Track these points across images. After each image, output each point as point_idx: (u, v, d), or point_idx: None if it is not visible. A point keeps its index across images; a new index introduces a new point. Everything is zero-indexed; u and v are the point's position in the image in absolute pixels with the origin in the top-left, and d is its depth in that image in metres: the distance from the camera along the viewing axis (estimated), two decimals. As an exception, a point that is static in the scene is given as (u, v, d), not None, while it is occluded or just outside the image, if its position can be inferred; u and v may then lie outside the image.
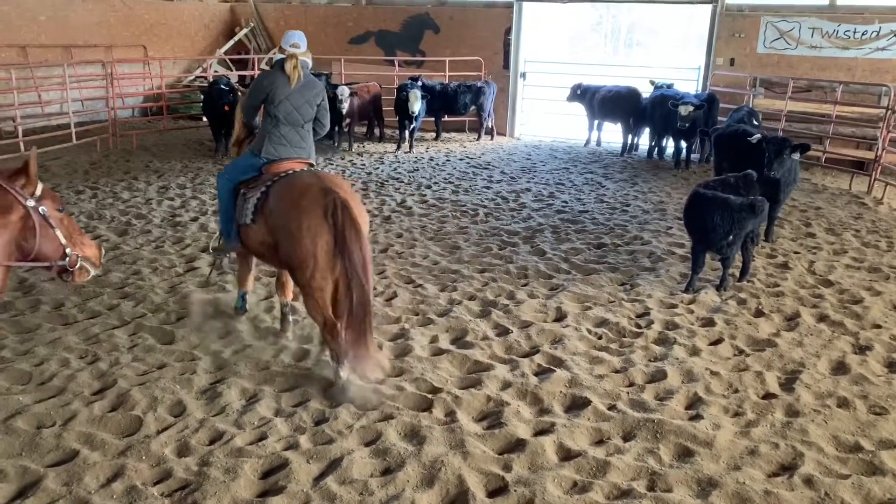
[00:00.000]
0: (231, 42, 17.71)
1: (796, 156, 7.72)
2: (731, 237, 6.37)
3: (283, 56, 5.10)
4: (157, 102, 15.31)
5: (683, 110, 11.57)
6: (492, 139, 15.31)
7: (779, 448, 4.19)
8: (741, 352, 5.49)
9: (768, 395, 4.85)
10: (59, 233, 3.59)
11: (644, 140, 13.90)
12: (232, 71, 16.80)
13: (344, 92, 12.69)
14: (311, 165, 5.24)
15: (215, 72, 16.28)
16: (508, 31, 15.68)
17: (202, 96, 13.13)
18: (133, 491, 3.72)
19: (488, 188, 10.75)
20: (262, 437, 4.21)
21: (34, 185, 3.58)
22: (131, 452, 4.03)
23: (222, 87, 12.23)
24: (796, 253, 7.86)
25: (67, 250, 3.57)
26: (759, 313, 6.21)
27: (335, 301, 4.63)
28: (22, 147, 11.70)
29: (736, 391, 4.88)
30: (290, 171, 4.90)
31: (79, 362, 5.07)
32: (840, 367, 5.26)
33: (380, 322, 5.86)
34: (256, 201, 4.85)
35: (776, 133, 10.82)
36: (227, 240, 5.30)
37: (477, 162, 12.74)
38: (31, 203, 3.54)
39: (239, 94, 12.03)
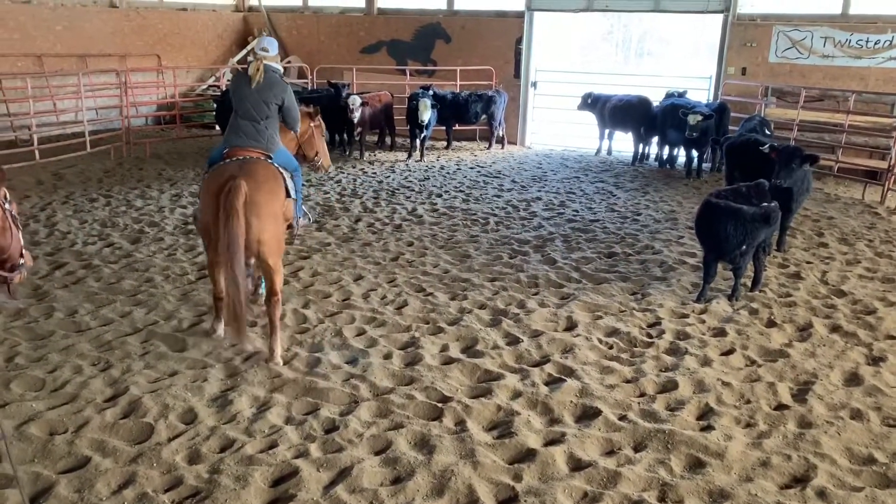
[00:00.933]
0: (244, 51, 17.83)
1: (807, 166, 7.68)
2: (743, 247, 6.35)
3: (250, 59, 5.64)
4: (171, 111, 15.42)
5: (692, 119, 11.55)
6: (502, 148, 15.33)
7: (791, 460, 4.16)
8: (753, 362, 5.46)
9: (781, 406, 4.82)
10: (20, 234, 3.58)
11: (655, 149, 13.87)
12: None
13: (355, 101, 12.75)
14: (268, 156, 5.53)
15: (228, 81, 16.39)
16: (519, 41, 15.71)
17: (215, 105, 13.22)
18: (144, 498, 3.74)
19: (499, 197, 10.75)
20: (273, 446, 4.22)
21: (2, 187, 3.52)
22: (143, 459, 4.05)
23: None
24: (809, 263, 7.82)
25: (24, 252, 3.56)
26: (771, 323, 6.18)
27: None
28: (37, 155, 11.81)
29: (748, 402, 4.86)
30: (234, 159, 5.36)
31: (91, 369, 5.10)
32: (853, 379, 5.22)
33: (390, 330, 5.87)
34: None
35: (787, 142, 10.78)
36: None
37: (488, 171, 12.75)
38: (7, 205, 3.52)
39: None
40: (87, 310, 6.15)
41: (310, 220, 7.21)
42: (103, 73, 14.60)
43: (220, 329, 5.67)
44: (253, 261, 5.58)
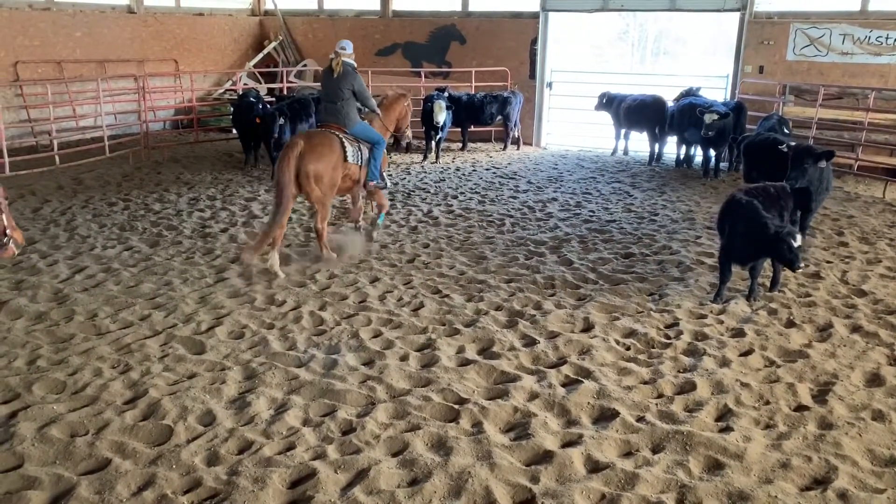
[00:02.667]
0: (260, 55, 17.95)
1: (823, 163, 7.58)
2: (752, 253, 6.29)
3: (331, 57, 7.69)
4: (188, 115, 15.56)
5: (708, 118, 11.46)
6: (518, 149, 15.31)
7: (812, 461, 4.12)
8: (772, 363, 5.41)
9: (800, 408, 4.77)
10: (4, 217, 4.20)
11: (671, 149, 13.79)
12: (261, 84, 17.01)
13: None
14: (343, 129, 7.55)
15: (245, 85, 16.50)
16: (534, 42, 15.69)
17: (231, 109, 13.33)
18: (164, 500, 3.77)
19: (515, 198, 10.74)
20: (291, 447, 4.25)
21: None
22: (162, 461, 4.08)
23: (251, 99, 12.41)
24: (829, 262, 7.74)
25: (7, 231, 4.21)
26: (790, 324, 6.12)
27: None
28: (57, 160, 11.95)
29: (767, 403, 4.82)
30: (313, 129, 7.80)
31: (111, 372, 5.15)
32: (874, 379, 5.16)
33: (406, 332, 5.89)
34: None
35: (804, 142, 10.69)
36: None
37: (503, 172, 12.74)
38: None
39: (267, 106, 12.24)
40: (106, 313, 6.21)
41: (385, 185, 8.36)
42: (122, 78, 14.76)
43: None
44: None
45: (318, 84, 16.00)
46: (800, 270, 6.31)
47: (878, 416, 4.64)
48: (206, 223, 9.12)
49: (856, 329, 6.02)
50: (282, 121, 11.33)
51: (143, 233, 8.67)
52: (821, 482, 3.98)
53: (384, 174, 8.20)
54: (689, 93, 13.06)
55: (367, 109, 8.01)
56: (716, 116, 11.46)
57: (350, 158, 7.49)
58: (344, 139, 7.47)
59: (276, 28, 18.11)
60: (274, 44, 17.96)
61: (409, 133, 9.19)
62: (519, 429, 4.49)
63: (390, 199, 10.42)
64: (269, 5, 18.34)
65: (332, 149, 7.32)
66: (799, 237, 6.03)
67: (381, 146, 7.94)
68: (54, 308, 6.30)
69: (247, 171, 12.43)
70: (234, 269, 7.35)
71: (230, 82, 17.23)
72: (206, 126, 15.81)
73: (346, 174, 7.56)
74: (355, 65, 7.75)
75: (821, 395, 4.92)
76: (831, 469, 4.05)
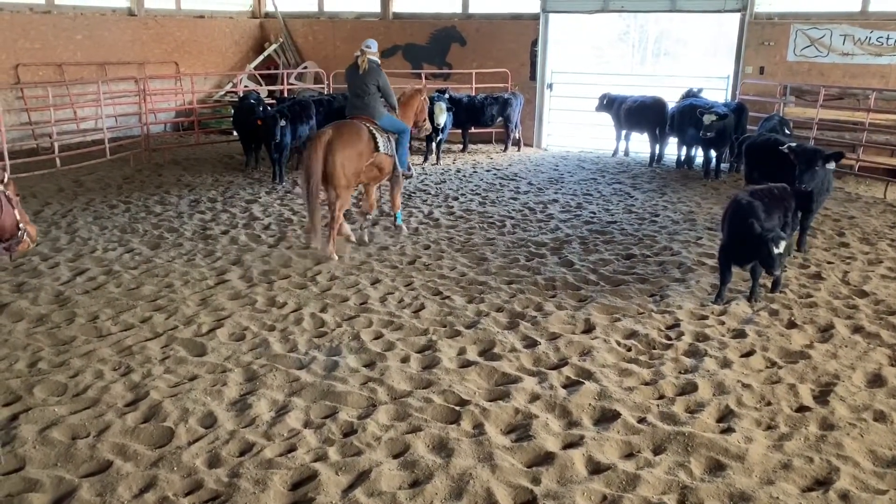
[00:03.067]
0: (261, 57, 17.96)
1: (831, 165, 7.58)
2: (744, 256, 6.30)
3: (357, 54, 8.13)
4: (189, 118, 15.57)
5: (707, 119, 11.45)
6: (519, 150, 15.32)
7: (813, 462, 4.12)
8: (774, 364, 5.41)
9: (802, 408, 4.77)
10: (17, 212, 4.30)
11: (672, 150, 13.79)
12: (262, 86, 17.02)
13: None
14: (373, 121, 7.98)
15: (245, 87, 16.51)
16: (535, 43, 15.69)
17: (233, 111, 13.35)
18: (165, 502, 3.78)
19: (515, 199, 10.74)
20: (292, 449, 4.25)
21: (3, 174, 4.32)
22: (163, 463, 4.08)
23: (252, 101, 12.42)
24: (830, 263, 7.73)
25: (21, 226, 4.29)
26: (791, 324, 6.12)
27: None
28: (58, 163, 11.96)
29: (769, 404, 4.81)
30: (340, 121, 8.06)
31: (112, 374, 5.15)
32: (876, 380, 5.16)
33: (407, 334, 5.89)
34: None
35: (806, 142, 10.68)
36: None
37: (504, 173, 12.74)
38: (0, 188, 4.21)
39: (268, 108, 12.25)
40: (107, 315, 6.22)
41: (412, 173, 9.17)
42: (122, 80, 14.78)
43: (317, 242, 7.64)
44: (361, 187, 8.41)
45: (318, 86, 16.11)
46: (776, 274, 6.40)
47: (880, 416, 4.63)
48: (206, 225, 9.13)
49: (857, 330, 6.01)
50: (283, 123, 11.30)
51: (144, 235, 8.67)
52: (822, 483, 3.97)
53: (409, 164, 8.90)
54: (691, 94, 13.06)
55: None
56: (714, 117, 11.45)
57: (381, 148, 7.90)
58: (374, 129, 7.88)
59: (277, 30, 18.13)
60: (274, 46, 17.98)
61: (427, 126, 9.60)
62: (520, 430, 4.48)
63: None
64: (269, 7, 18.36)
65: (360, 138, 7.67)
66: (783, 244, 6.04)
67: (407, 135, 8.51)
68: (55, 310, 6.30)
69: (248, 173, 12.43)
70: (235, 271, 7.35)
71: (231, 84, 17.24)
72: (206, 128, 15.83)
73: (378, 164, 7.99)
74: (379, 62, 8.23)
75: (822, 395, 4.91)
76: (833, 470, 4.05)
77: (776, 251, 6.00)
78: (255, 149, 12.79)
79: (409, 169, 8.71)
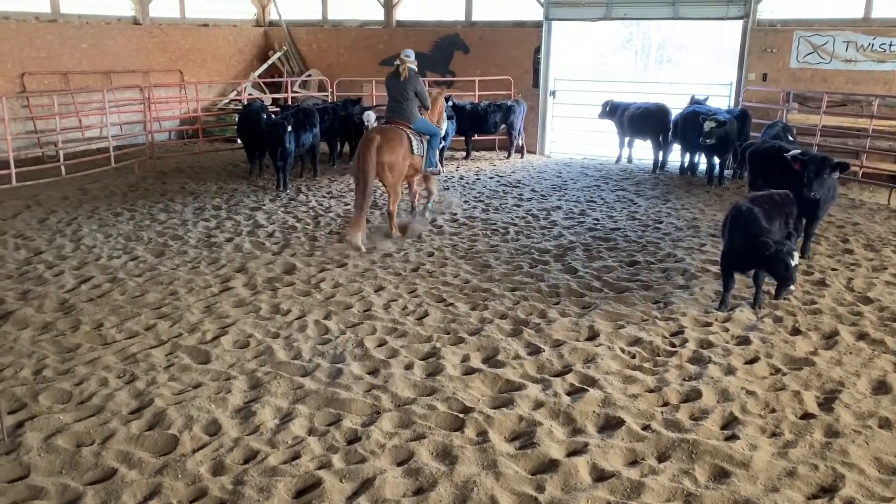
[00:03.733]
0: (265, 66, 18.03)
1: (837, 174, 7.59)
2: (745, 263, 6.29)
3: (397, 63, 8.93)
4: (193, 125, 15.62)
5: (707, 126, 11.45)
6: (522, 157, 15.33)
7: (818, 469, 4.11)
8: (778, 371, 5.40)
9: (807, 415, 4.76)
10: None
11: (675, 157, 13.79)
12: (266, 94, 17.08)
13: (370, 118, 12.80)
14: (409, 124, 8.87)
15: (249, 95, 16.57)
16: (538, 50, 15.73)
17: (237, 118, 13.41)
18: (169, 509, 3.78)
19: (519, 206, 10.75)
20: (296, 457, 4.25)
21: None
22: (167, 471, 4.09)
23: (256, 109, 12.47)
24: (834, 270, 7.72)
25: None
26: (796, 331, 6.11)
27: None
28: (63, 171, 12.01)
29: (773, 411, 4.80)
30: (383, 125, 9.02)
31: (117, 381, 5.16)
32: (881, 387, 5.15)
33: (411, 341, 5.89)
34: None
35: (810, 148, 10.68)
36: None
37: (507, 180, 12.76)
38: None
39: (272, 115, 12.28)
40: (112, 323, 6.23)
41: (440, 171, 9.83)
42: (127, 89, 14.83)
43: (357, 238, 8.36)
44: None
45: (322, 94, 16.15)
46: (792, 289, 6.38)
47: (885, 423, 4.62)
48: (211, 233, 9.15)
49: (862, 336, 6.00)
50: (289, 129, 11.31)
51: (149, 243, 8.70)
52: (828, 490, 3.96)
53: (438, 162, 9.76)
54: (695, 101, 13.08)
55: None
56: (714, 124, 11.45)
57: (415, 150, 8.84)
58: (410, 134, 8.80)
59: (281, 38, 18.20)
60: (278, 54, 18.04)
61: (443, 126, 10.44)
62: (524, 437, 4.48)
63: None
64: (273, 16, 18.43)
65: (402, 142, 8.65)
66: (796, 255, 6.05)
67: (437, 137, 9.41)
68: (60, 318, 6.32)
69: (252, 180, 12.47)
70: (239, 279, 7.37)
71: (235, 92, 17.30)
72: (210, 136, 15.87)
73: (413, 164, 8.90)
74: (416, 69, 9.05)
75: (827, 402, 4.90)
76: (838, 477, 4.04)
77: (793, 263, 6.02)
78: (259, 156, 12.84)
79: (436, 167, 9.47)
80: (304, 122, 12.06)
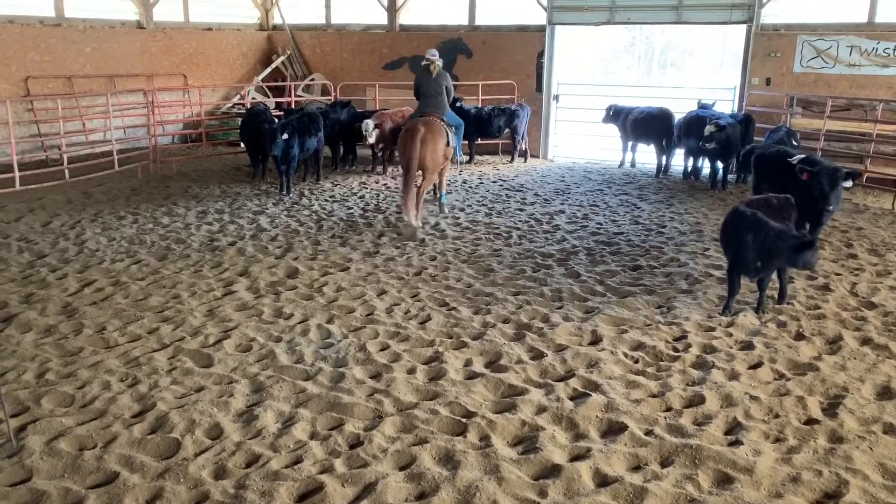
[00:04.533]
0: (268, 69, 18.06)
1: (848, 183, 7.56)
2: (758, 264, 6.26)
3: (427, 62, 9.91)
4: (197, 129, 15.65)
5: (707, 130, 11.43)
6: (525, 161, 15.33)
7: (822, 475, 4.09)
8: (782, 376, 5.38)
9: (810, 421, 4.74)
10: None
11: (678, 161, 13.78)
12: (269, 98, 17.11)
13: (368, 126, 12.79)
14: (441, 117, 9.80)
15: (253, 99, 16.60)
16: (541, 55, 15.74)
17: (241, 122, 13.42)
18: (171, 513, 3.77)
19: (522, 210, 10.75)
20: (298, 461, 4.24)
21: None
22: (169, 475, 4.08)
23: (259, 113, 12.49)
24: (838, 274, 7.70)
25: None
26: (799, 336, 6.09)
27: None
28: (67, 174, 12.04)
29: (777, 416, 4.78)
30: (422, 117, 9.74)
31: (119, 385, 5.16)
32: (885, 392, 5.13)
33: (413, 345, 5.89)
34: None
35: (814, 153, 10.65)
36: None
37: (510, 184, 12.76)
38: None
39: (275, 120, 12.29)
40: (115, 326, 6.24)
41: (464, 159, 11.27)
42: (131, 92, 14.87)
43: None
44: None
45: (325, 97, 16.18)
46: (815, 269, 6.82)
47: (890, 429, 4.60)
48: (214, 236, 9.16)
49: (866, 341, 5.98)
50: (284, 136, 11.11)
51: (152, 246, 8.71)
52: (831, 496, 3.94)
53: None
54: (701, 105, 13.07)
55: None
56: (714, 128, 11.43)
57: (450, 141, 9.81)
58: (445, 126, 9.71)
59: (284, 42, 18.24)
60: (282, 58, 18.08)
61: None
62: (527, 442, 4.47)
63: (397, 214, 10.46)
64: (277, 20, 18.48)
65: (442, 133, 9.59)
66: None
67: (462, 129, 10.45)
68: (63, 321, 6.33)
69: (255, 184, 12.48)
70: (242, 283, 7.37)
71: (238, 96, 17.33)
72: (214, 140, 15.90)
73: (446, 153, 9.84)
74: (441, 65, 10.03)
75: (831, 408, 4.88)
76: (842, 483, 4.02)
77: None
78: (263, 160, 12.85)
79: (460, 156, 10.75)
80: (309, 126, 12.05)
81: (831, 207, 7.48)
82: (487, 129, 14.50)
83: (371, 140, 12.92)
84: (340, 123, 13.56)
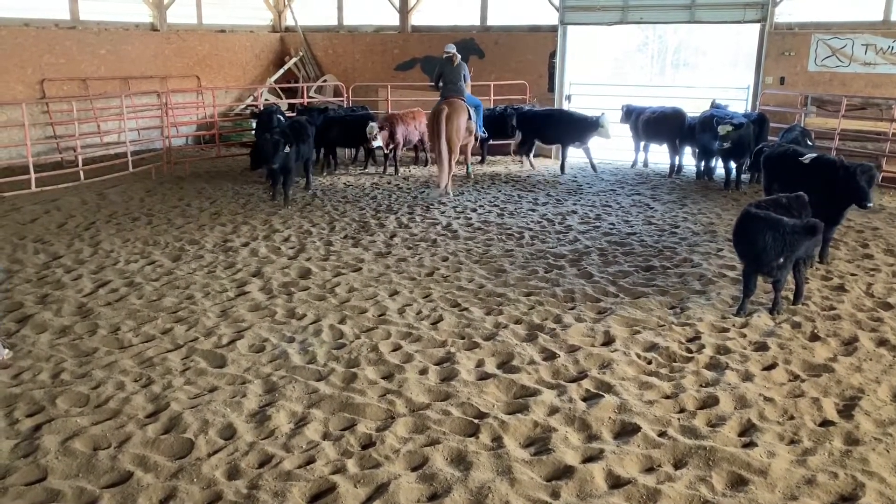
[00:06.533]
0: (281, 71, 18.14)
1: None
2: (780, 259, 6.20)
3: (447, 55, 11.72)
4: (210, 131, 15.74)
5: (722, 130, 11.35)
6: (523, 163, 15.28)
7: (838, 478, 4.05)
8: (796, 377, 5.34)
9: (826, 423, 4.70)
10: None
11: (691, 160, 13.70)
12: (282, 99, 17.18)
13: (373, 130, 12.77)
14: (462, 98, 11.70)
15: (266, 100, 16.66)
16: (553, 55, 15.71)
17: (254, 123, 13.46)
18: (185, 513, 3.79)
19: (534, 211, 10.73)
20: (311, 461, 4.25)
21: None
22: (183, 475, 4.10)
23: (273, 113, 12.51)
24: (853, 275, 7.64)
25: None
26: (814, 337, 6.04)
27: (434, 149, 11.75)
28: (82, 176, 12.13)
29: (791, 418, 4.75)
30: (446, 100, 11.63)
31: (133, 385, 5.20)
32: (902, 394, 5.07)
33: (425, 345, 5.89)
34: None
35: (828, 153, 10.57)
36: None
37: (522, 185, 12.74)
38: None
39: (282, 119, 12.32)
40: (129, 326, 6.28)
41: (485, 135, 13.10)
42: (145, 94, 14.98)
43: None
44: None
45: (338, 98, 16.23)
46: (870, 205, 7.32)
47: (906, 431, 4.55)
48: (227, 237, 9.20)
49: (882, 343, 5.92)
50: (287, 150, 10.55)
51: (166, 247, 8.76)
52: (847, 499, 3.91)
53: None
54: (715, 105, 13.00)
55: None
56: (730, 128, 11.35)
57: (472, 118, 11.92)
58: (466, 105, 11.70)
59: (297, 44, 18.31)
60: (294, 59, 18.15)
61: None
62: (539, 443, 4.46)
63: (409, 214, 10.47)
64: (289, 21, 18.55)
65: (464, 110, 11.62)
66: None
67: (481, 108, 12.56)
68: (78, 322, 6.38)
69: (268, 185, 12.51)
70: (255, 283, 7.40)
71: (251, 98, 17.41)
72: (227, 141, 15.98)
73: (469, 128, 11.86)
74: (460, 57, 11.85)
75: (846, 410, 4.84)
76: (858, 486, 3.98)
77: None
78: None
79: (483, 132, 12.72)
80: (300, 133, 11.57)
81: (871, 205, 7.45)
82: (500, 130, 14.46)
83: (375, 144, 12.96)
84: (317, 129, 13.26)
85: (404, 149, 14.38)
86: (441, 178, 11.41)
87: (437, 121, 11.24)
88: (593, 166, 14.02)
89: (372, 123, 12.99)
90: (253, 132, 13.79)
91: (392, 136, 13.25)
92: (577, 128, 13.60)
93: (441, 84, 11.82)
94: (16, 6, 13.82)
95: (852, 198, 7.41)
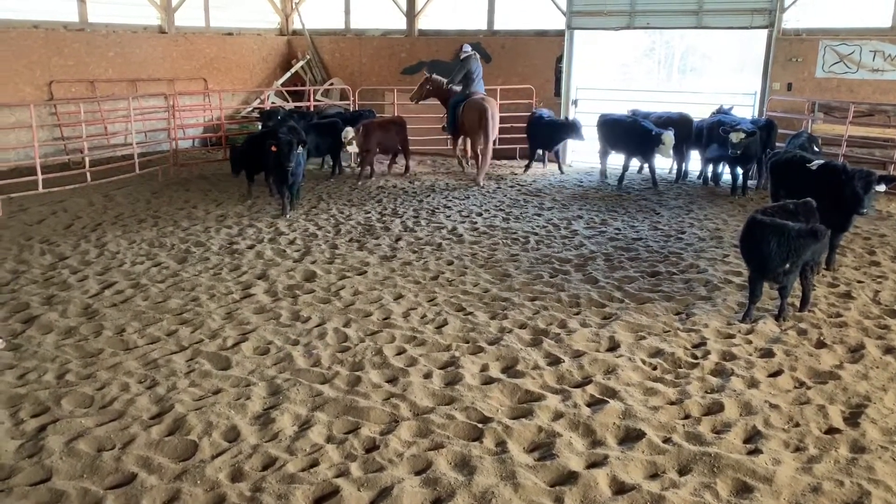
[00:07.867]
0: (288, 74, 18.17)
1: (881, 187, 7.48)
2: (786, 265, 6.17)
3: (468, 54, 13.11)
4: (217, 133, 15.77)
5: (735, 137, 11.30)
6: (543, 166, 15.29)
7: (843, 486, 4.03)
8: (802, 384, 5.32)
9: (832, 430, 4.68)
10: None
11: (695, 166, 13.67)
12: (288, 102, 17.21)
13: (347, 134, 12.64)
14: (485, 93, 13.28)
15: (273, 103, 16.69)
16: (560, 59, 15.70)
17: (260, 126, 13.48)
18: (188, 515, 3.79)
19: (539, 215, 10.72)
20: (314, 464, 4.25)
21: None
22: (187, 477, 4.11)
23: (281, 115, 12.52)
24: (860, 282, 7.60)
25: None
26: (820, 344, 6.01)
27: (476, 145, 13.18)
28: (89, 177, 12.17)
29: (797, 425, 4.73)
30: (480, 97, 12.88)
31: (138, 387, 5.21)
32: (908, 402, 5.04)
33: (430, 349, 5.88)
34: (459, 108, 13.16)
35: (836, 159, 10.53)
36: (451, 128, 13.65)
37: (528, 189, 12.73)
38: None
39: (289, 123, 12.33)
40: (134, 328, 6.29)
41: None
42: (152, 96, 15.02)
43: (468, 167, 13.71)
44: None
45: (344, 102, 16.24)
46: (864, 212, 7.40)
47: (913, 439, 4.53)
48: (233, 240, 9.22)
49: (889, 350, 5.89)
50: (300, 150, 10.31)
51: (172, 249, 8.78)
52: (853, 507, 3.89)
53: None
54: (721, 111, 12.97)
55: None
56: (743, 135, 11.31)
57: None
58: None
59: (304, 47, 18.34)
60: (301, 63, 18.18)
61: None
62: (543, 449, 4.45)
63: (415, 218, 10.47)
64: (297, 25, 18.59)
65: (497, 107, 13.02)
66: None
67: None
68: (83, 323, 6.39)
69: (268, 190, 12.52)
70: (260, 286, 7.41)
71: (258, 101, 17.45)
72: (234, 144, 16.00)
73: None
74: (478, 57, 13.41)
75: (853, 417, 4.81)
76: (864, 494, 3.96)
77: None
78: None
79: None
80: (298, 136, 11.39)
81: (867, 212, 7.40)
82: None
83: (351, 149, 12.98)
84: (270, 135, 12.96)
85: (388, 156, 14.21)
86: (480, 173, 12.61)
87: (484, 116, 12.27)
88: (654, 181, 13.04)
89: (347, 128, 12.83)
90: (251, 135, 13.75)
91: (367, 141, 13.03)
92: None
93: (466, 81, 12.88)
94: (25, 8, 13.88)
95: (847, 202, 7.36)
